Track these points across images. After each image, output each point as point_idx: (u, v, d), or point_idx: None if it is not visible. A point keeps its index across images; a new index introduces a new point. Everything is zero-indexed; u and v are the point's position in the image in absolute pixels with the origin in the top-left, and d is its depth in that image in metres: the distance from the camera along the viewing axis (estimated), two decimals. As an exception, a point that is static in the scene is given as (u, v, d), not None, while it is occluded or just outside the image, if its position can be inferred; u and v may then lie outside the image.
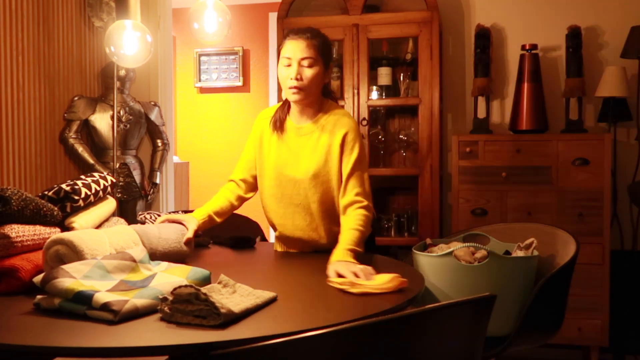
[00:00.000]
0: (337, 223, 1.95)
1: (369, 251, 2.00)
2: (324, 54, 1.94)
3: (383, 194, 3.48)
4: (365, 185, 1.94)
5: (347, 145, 1.93)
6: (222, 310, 1.19)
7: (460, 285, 1.84)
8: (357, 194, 1.91)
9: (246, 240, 2.19)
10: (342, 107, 2.20)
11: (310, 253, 2.07)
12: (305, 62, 1.90)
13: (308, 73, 1.90)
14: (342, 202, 1.92)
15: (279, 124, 2.02)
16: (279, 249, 2.13)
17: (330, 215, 2.00)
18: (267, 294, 1.38)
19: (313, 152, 1.96)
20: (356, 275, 1.56)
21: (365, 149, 2.04)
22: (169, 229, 1.84)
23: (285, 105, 2.04)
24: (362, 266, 1.62)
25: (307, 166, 1.95)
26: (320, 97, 2.00)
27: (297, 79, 1.90)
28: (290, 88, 1.92)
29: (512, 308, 1.85)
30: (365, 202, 1.90)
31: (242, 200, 2.16)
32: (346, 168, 1.93)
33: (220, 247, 2.18)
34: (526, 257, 1.91)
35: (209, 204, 2.08)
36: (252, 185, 2.15)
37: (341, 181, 1.94)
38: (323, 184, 1.96)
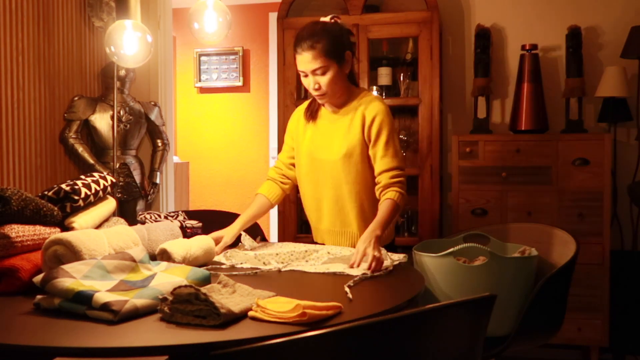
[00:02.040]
0: (369, 210, 2.05)
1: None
2: (334, 52, 1.97)
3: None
4: (399, 160, 2.02)
5: (379, 124, 2.01)
6: (222, 310, 1.19)
7: (460, 285, 1.84)
8: (393, 168, 2.00)
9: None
10: (370, 91, 2.24)
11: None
12: (318, 72, 1.97)
13: (324, 80, 1.98)
14: (379, 175, 2.01)
15: (313, 114, 2.13)
16: (319, 240, 2.20)
17: (362, 199, 2.06)
18: (267, 294, 1.38)
19: (345, 134, 2.04)
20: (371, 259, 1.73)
21: (395, 130, 2.10)
22: (157, 230, 1.84)
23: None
24: (375, 252, 1.75)
25: (339, 147, 2.04)
26: (347, 87, 2.07)
27: (316, 89, 1.99)
28: (316, 96, 2.04)
29: (512, 308, 1.85)
30: (402, 177, 2.00)
31: (289, 179, 2.25)
32: (379, 146, 2.01)
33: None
34: (526, 258, 1.91)
35: (245, 215, 2.17)
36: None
37: (372, 161, 2.04)
38: (355, 164, 2.03)
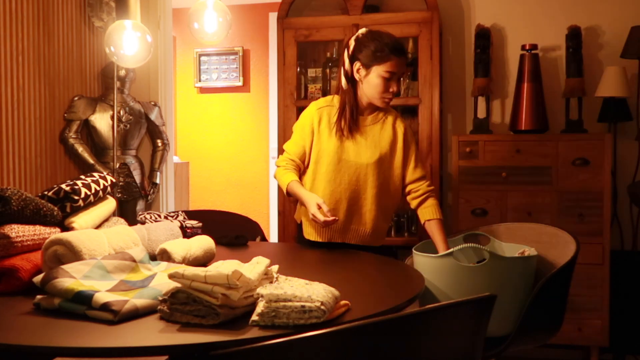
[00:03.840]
0: (386, 218, 2.25)
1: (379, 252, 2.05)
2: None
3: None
4: (425, 171, 2.28)
5: (410, 138, 2.25)
6: (220, 310, 1.19)
7: (460, 285, 1.84)
8: (424, 177, 2.24)
9: (240, 238, 2.22)
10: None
11: (310, 251, 2.08)
12: (402, 77, 2.33)
13: (402, 86, 2.35)
14: (412, 185, 2.24)
15: (349, 125, 2.21)
16: (312, 237, 2.23)
17: (383, 205, 2.22)
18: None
19: (378, 141, 2.21)
20: None
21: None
22: (157, 230, 1.84)
23: (351, 107, 2.21)
24: None
25: (372, 153, 2.19)
26: None
27: (393, 91, 2.17)
28: (385, 98, 2.18)
29: (512, 308, 1.85)
30: (433, 187, 2.26)
31: (299, 170, 2.33)
32: (411, 158, 2.24)
33: (216, 246, 2.18)
34: (525, 258, 1.91)
35: (294, 175, 2.26)
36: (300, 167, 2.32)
37: (404, 170, 2.24)
38: (385, 170, 2.20)
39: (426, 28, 3.15)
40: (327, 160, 2.21)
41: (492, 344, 1.81)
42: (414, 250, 1.98)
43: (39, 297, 1.32)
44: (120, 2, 2.54)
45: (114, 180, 2.09)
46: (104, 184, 1.99)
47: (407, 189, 2.24)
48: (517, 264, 1.88)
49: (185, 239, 1.85)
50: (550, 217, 2.93)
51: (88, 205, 1.90)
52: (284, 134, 3.29)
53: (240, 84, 5.15)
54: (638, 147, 3.22)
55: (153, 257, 1.71)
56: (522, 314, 1.79)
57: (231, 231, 2.32)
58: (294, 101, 3.29)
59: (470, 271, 1.84)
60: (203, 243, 1.83)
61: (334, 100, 2.26)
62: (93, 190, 1.90)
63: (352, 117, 2.20)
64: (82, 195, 1.83)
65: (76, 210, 1.83)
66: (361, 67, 2.16)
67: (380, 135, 2.22)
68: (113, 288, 1.35)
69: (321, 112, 2.25)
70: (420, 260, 1.92)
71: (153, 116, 3.47)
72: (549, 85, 3.29)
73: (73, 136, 3.19)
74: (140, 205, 3.39)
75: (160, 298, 1.27)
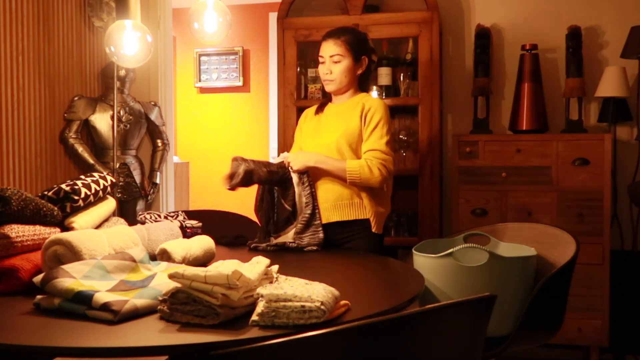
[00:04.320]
0: (361, 193, 2.23)
1: (377, 252, 2.05)
2: (353, 48, 2.28)
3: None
4: (385, 144, 2.21)
5: (371, 114, 2.23)
6: (220, 310, 1.19)
7: (460, 285, 1.84)
8: (370, 150, 2.20)
9: (239, 238, 2.22)
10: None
11: (309, 252, 2.08)
12: (335, 59, 2.27)
13: (337, 68, 2.28)
14: (363, 154, 2.23)
15: (321, 107, 2.40)
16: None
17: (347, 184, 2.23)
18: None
19: (345, 120, 2.27)
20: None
21: (389, 121, 2.27)
22: (157, 230, 1.84)
23: (329, 95, 2.43)
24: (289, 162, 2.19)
25: (338, 130, 2.26)
26: (354, 86, 2.34)
27: (327, 74, 2.29)
28: (324, 81, 2.33)
29: (512, 308, 1.85)
30: (374, 159, 2.18)
31: None
32: (369, 129, 2.22)
33: (216, 246, 2.18)
34: (525, 257, 1.91)
35: None
36: None
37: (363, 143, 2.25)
38: (350, 146, 2.23)
39: (426, 28, 3.15)
40: (308, 146, 2.35)
41: (492, 344, 1.81)
42: (413, 251, 1.98)
43: (39, 297, 1.32)
44: (120, 2, 2.54)
45: (114, 180, 2.09)
46: (104, 184, 1.99)
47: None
48: (517, 264, 1.88)
49: (185, 239, 1.85)
50: (550, 217, 2.93)
51: (88, 205, 1.90)
52: (284, 134, 3.29)
53: (240, 84, 5.15)
54: (638, 147, 3.22)
55: (153, 257, 1.71)
56: (522, 314, 1.79)
57: (231, 231, 2.33)
58: (294, 101, 3.29)
59: (469, 271, 1.84)
60: (203, 243, 1.83)
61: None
62: (93, 190, 1.90)
63: (323, 102, 2.41)
64: (82, 195, 1.83)
65: (76, 210, 1.83)
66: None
67: (350, 115, 2.27)
68: (113, 288, 1.35)
69: (306, 113, 2.47)
70: (420, 260, 1.92)
71: (153, 116, 3.47)
72: (549, 85, 3.29)
73: (73, 136, 3.19)
74: (140, 205, 3.39)
75: (160, 298, 1.27)
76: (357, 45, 2.29)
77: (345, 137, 2.23)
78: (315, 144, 2.31)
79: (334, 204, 2.23)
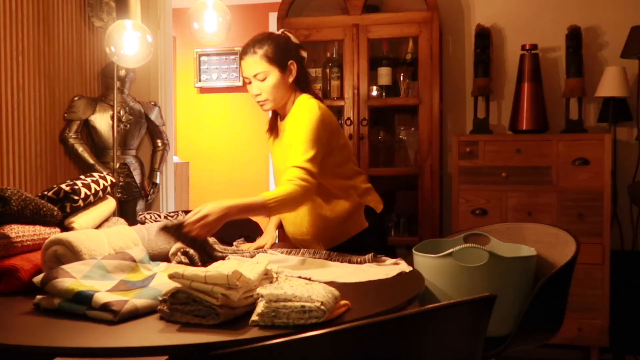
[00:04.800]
0: (322, 216, 2.02)
1: (379, 250, 2.03)
2: (275, 59, 1.98)
3: (383, 194, 3.48)
4: (304, 177, 1.85)
5: (295, 123, 1.96)
6: (220, 310, 1.19)
7: (460, 285, 1.84)
8: (295, 184, 1.84)
9: (245, 237, 2.22)
10: (309, 94, 2.09)
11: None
12: (259, 77, 1.99)
13: (264, 86, 2.00)
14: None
15: (272, 128, 2.16)
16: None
17: (313, 206, 2.01)
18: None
19: (287, 141, 2.00)
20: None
21: (314, 125, 1.93)
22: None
23: (275, 113, 2.15)
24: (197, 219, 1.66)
25: (284, 157, 2.00)
26: (292, 94, 2.06)
27: (257, 94, 2.02)
28: (258, 102, 2.05)
29: (512, 308, 1.85)
30: (292, 176, 1.84)
31: None
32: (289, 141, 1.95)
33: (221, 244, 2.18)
34: (524, 257, 1.91)
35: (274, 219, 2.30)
36: None
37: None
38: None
39: (426, 28, 3.15)
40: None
41: (492, 344, 1.81)
42: (414, 251, 1.98)
43: (39, 297, 1.32)
44: (120, 2, 2.54)
45: (113, 180, 2.09)
46: (103, 184, 1.99)
47: None
48: (517, 264, 1.88)
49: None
50: (550, 217, 2.93)
51: (88, 205, 1.90)
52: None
53: (240, 84, 5.15)
54: (638, 147, 3.22)
55: (153, 258, 1.71)
56: (522, 314, 1.79)
57: (231, 231, 2.32)
58: (294, 101, 3.28)
59: (469, 271, 1.84)
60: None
61: None
62: (93, 191, 1.90)
63: (271, 123, 2.16)
64: (82, 196, 1.83)
65: (76, 210, 1.83)
66: None
67: (288, 134, 2.01)
68: (113, 288, 1.35)
69: (266, 134, 2.23)
70: (420, 260, 1.92)
71: (153, 116, 3.47)
72: (549, 85, 3.29)
73: (73, 136, 3.19)
74: (140, 205, 3.39)
75: (160, 298, 1.27)
76: (278, 54, 1.99)
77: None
78: (280, 172, 2.05)
79: (317, 238, 2.04)
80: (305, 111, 1.96)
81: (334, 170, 2.02)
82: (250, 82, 2.03)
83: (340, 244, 2.07)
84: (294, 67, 2.03)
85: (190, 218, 1.68)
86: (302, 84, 2.08)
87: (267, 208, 1.79)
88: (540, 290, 1.78)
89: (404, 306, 1.38)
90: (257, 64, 1.98)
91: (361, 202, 2.09)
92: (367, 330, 0.98)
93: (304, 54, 2.11)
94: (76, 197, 1.80)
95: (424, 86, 3.16)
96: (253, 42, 2.01)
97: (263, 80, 1.99)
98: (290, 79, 2.03)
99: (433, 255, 1.88)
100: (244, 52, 2.02)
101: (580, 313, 2.90)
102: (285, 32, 2.09)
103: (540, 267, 1.98)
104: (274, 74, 1.99)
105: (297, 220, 2.08)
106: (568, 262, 1.85)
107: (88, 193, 1.86)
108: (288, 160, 1.91)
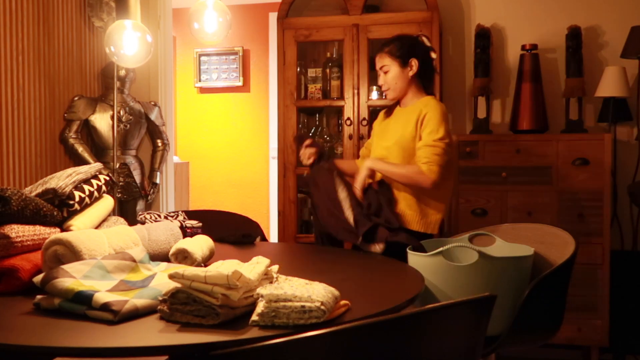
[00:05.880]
0: (414, 201, 2.29)
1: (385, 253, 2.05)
2: (397, 55, 2.37)
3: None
4: (434, 156, 2.23)
5: (426, 120, 2.28)
6: (220, 310, 1.19)
7: (450, 284, 1.83)
8: (423, 163, 2.23)
9: (247, 236, 2.22)
10: (436, 98, 2.48)
11: (310, 251, 2.08)
12: (383, 69, 2.40)
13: (386, 78, 2.41)
14: (417, 150, 2.29)
15: (389, 110, 2.52)
16: None
17: (403, 189, 2.30)
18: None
19: (403, 125, 2.35)
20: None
21: (448, 127, 2.31)
22: (158, 230, 1.84)
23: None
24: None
25: (394, 135, 2.36)
26: (411, 89, 2.42)
27: (380, 84, 2.44)
28: (382, 91, 2.46)
29: (506, 307, 1.84)
30: (424, 167, 2.22)
31: None
32: (425, 131, 2.28)
33: (221, 244, 2.18)
34: (517, 257, 1.90)
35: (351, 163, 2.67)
36: None
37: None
38: (405, 151, 2.31)
39: (426, 28, 3.15)
40: (374, 149, 2.51)
41: (485, 343, 1.80)
42: (408, 250, 1.98)
43: (39, 297, 1.32)
44: (120, 2, 2.54)
45: (107, 178, 2.06)
46: (97, 184, 1.97)
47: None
48: (508, 264, 1.88)
49: (190, 238, 1.85)
50: (550, 217, 2.93)
51: (85, 207, 1.89)
52: (284, 134, 3.29)
53: (240, 84, 5.15)
54: (638, 147, 3.22)
55: (154, 258, 1.71)
56: (515, 314, 1.79)
57: (232, 230, 2.33)
58: (294, 101, 3.29)
59: (459, 270, 1.83)
60: (209, 243, 1.84)
61: None
62: (87, 192, 1.89)
63: (392, 106, 2.53)
64: (77, 199, 1.82)
65: (73, 213, 1.82)
66: None
67: (407, 119, 2.35)
68: (113, 288, 1.35)
69: (379, 116, 2.62)
70: (413, 259, 1.92)
71: (153, 116, 3.47)
72: (549, 85, 3.29)
73: (73, 136, 3.19)
74: (140, 205, 3.39)
75: (160, 298, 1.27)
76: (401, 51, 2.37)
77: (400, 144, 2.32)
78: (378, 146, 2.44)
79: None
80: (438, 109, 2.31)
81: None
82: (379, 75, 2.43)
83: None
84: (414, 64, 2.38)
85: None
86: (424, 81, 2.43)
87: (421, 179, 2.24)
88: (535, 290, 1.78)
89: (404, 306, 1.38)
90: (382, 59, 2.40)
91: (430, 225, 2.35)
92: (367, 330, 0.98)
93: (434, 55, 2.44)
94: (71, 202, 1.79)
95: (424, 86, 3.16)
96: (386, 40, 2.44)
97: (386, 72, 2.39)
98: (411, 74, 2.38)
99: (424, 255, 1.88)
100: (379, 49, 2.43)
101: (580, 313, 2.90)
102: (422, 37, 2.45)
103: (540, 267, 1.97)
104: (394, 68, 2.38)
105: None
106: (564, 262, 1.85)
107: (83, 196, 1.85)
108: (424, 141, 2.27)
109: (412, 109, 2.37)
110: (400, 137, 2.33)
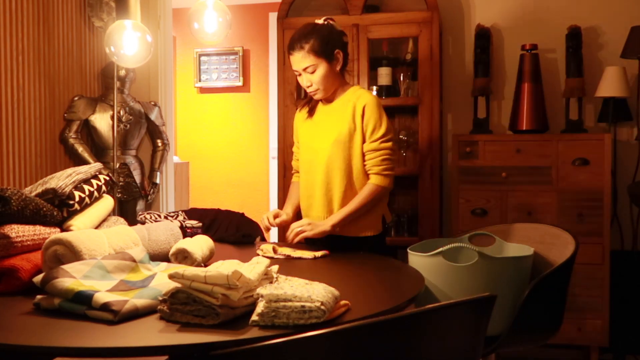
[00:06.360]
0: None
1: (379, 252, 2.04)
2: (322, 51, 2.10)
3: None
4: (383, 163, 2.13)
5: (366, 117, 2.13)
6: (220, 310, 1.19)
7: (449, 284, 1.83)
8: (374, 165, 2.12)
9: (247, 236, 2.22)
10: (360, 86, 2.37)
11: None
12: (309, 70, 2.12)
13: (315, 78, 2.13)
14: (367, 152, 2.15)
15: (312, 110, 2.27)
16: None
17: (350, 187, 2.16)
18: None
19: (337, 122, 2.16)
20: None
21: (387, 117, 2.18)
22: (158, 230, 1.84)
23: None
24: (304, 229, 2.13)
25: (330, 134, 2.16)
26: (339, 83, 2.20)
27: (308, 86, 2.15)
28: (310, 93, 2.19)
29: (506, 308, 1.84)
30: (377, 180, 2.11)
31: None
32: (369, 130, 2.13)
33: (222, 243, 2.18)
34: (516, 258, 1.90)
35: (291, 199, 2.37)
36: None
37: (362, 149, 2.15)
38: (344, 150, 2.14)
39: (426, 28, 3.15)
40: (302, 150, 2.30)
41: (486, 343, 1.80)
42: (409, 250, 1.98)
43: (39, 297, 1.32)
44: (120, 2, 2.54)
45: (106, 178, 2.06)
46: (97, 184, 1.97)
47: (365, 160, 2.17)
48: (507, 264, 1.88)
49: (190, 238, 1.85)
50: (550, 217, 2.93)
51: (85, 207, 1.89)
52: (284, 134, 3.29)
53: (240, 84, 5.15)
54: (638, 147, 3.22)
55: (153, 258, 1.71)
56: (515, 314, 1.79)
57: (232, 230, 2.33)
58: (294, 101, 3.29)
59: (459, 270, 1.83)
60: (209, 243, 1.84)
61: None
62: (87, 192, 1.89)
63: (312, 104, 2.28)
64: (77, 199, 1.82)
65: (73, 214, 1.82)
66: None
67: (341, 116, 2.16)
68: (113, 288, 1.35)
69: (299, 115, 2.35)
70: (413, 259, 1.92)
71: (153, 116, 3.47)
72: (549, 85, 3.29)
73: (73, 136, 3.19)
74: (140, 205, 3.39)
75: (160, 298, 1.27)
76: (324, 45, 2.11)
77: (339, 142, 2.14)
78: (309, 148, 2.23)
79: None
80: (375, 102, 2.15)
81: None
82: (300, 75, 2.15)
83: (347, 236, 2.18)
84: (340, 56, 2.15)
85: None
86: (343, 70, 2.21)
87: (381, 191, 2.15)
88: (535, 290, 1.78)
89: (404, 306, 1.38)
90: (305, 58, 2.10)
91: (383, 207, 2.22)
92: (367, 330, 0.98)
93: (346, 39, 2.23)
94: (71, 202, 1.79)
95: (424, 86, 3.16)
96: (299, 36, 2.12)
97: (312, 72, 2.12)
98: (338, 67, 2.16)
99: (423, 254, 1.88)
100: (291, 48, 2.13)
101: (580, 313, 2.90)
102: (329, 20, 2.20)
103: (540, 267, 1.97)
104: (322, 66, 2.11)
105: (332, 200, 2.18)
106: (564, 262, 1.85)
107: (83, 196, 1.85)
108: (373, 159, 2.13)
109: (341, 103, 2.18)
110: (339, 135, 2.14)
